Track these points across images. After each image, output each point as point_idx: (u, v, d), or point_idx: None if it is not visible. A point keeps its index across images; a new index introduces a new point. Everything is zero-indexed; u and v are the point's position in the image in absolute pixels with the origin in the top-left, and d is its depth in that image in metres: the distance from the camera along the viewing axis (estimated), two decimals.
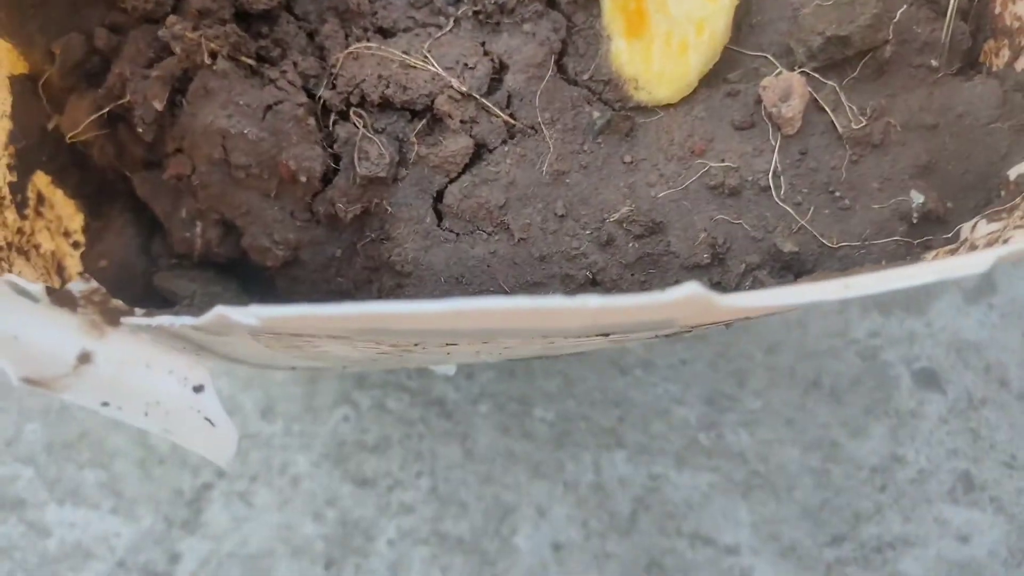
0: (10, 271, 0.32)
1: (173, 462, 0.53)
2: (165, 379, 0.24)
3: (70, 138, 0.33)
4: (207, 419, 0.23)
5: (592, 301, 0.21)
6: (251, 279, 0.36)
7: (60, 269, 0.37)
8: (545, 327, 0.22)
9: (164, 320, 0.24)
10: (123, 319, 0.25)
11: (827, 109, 0.32)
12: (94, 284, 0.26)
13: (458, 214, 0.32)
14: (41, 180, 0.37)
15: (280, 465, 0.54)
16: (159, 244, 0.36)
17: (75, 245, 0.38)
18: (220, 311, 0.23)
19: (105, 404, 0.23)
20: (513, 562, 0.52)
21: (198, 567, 0.52)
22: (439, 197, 0.33)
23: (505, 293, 0.32)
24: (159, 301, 0.36)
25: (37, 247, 0.36)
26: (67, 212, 0.38)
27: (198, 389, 0.24)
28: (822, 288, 0.22)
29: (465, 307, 0.21)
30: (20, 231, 0.35)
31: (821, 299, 0.22)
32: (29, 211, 0.36)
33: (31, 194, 0.36)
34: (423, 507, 0.53)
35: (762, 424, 0.54)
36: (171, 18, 0.31)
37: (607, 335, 0.29)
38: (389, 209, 0.33)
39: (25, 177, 0.36)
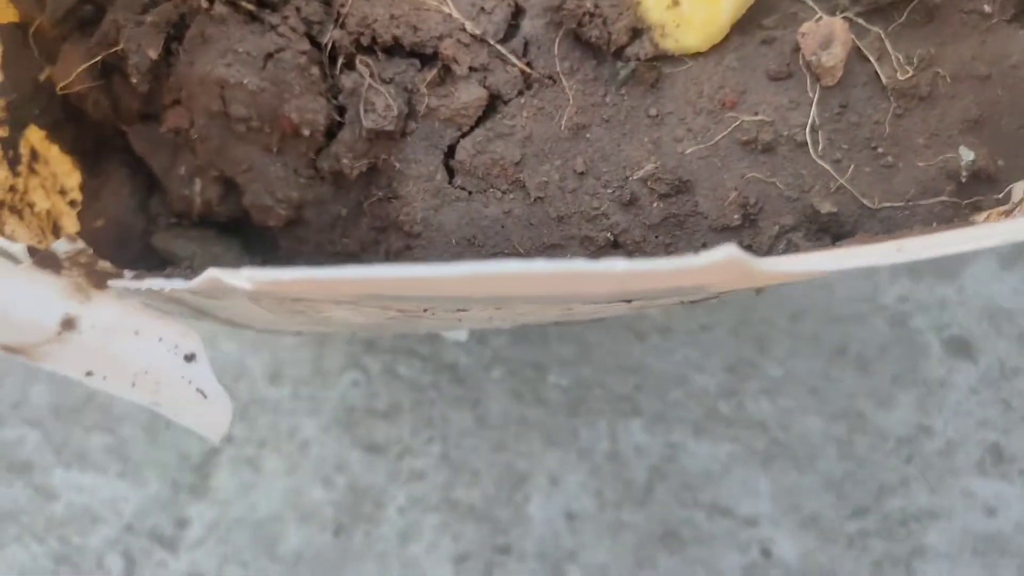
0: (1, 231, 0.31)
1: (180, 426, 0.52)
2: (155, 346, 0.22)
3: (61, 89, 0.31)
4: (199, 390, 0.22)
5: (618, 265, 0.19)
6: (254, 239, 0.34)
7: (56, 228, 0.35)
8: (567, 292, 0.21)
9: (155, 283, 0.22)
10: (111, 282, 0.23)
11: (871, 58, 0.29)
12: (80, 244, 0.24)
13: (471, 171, 0.30)
14: (35, 135, 0.35)
15: (288, 430, 0.53)
16: (157, 202, 0.34)
17: (72, 204, 0.36)
18: (213, 274, 0.21)
19: (89, 374, 0.21)
20: (526, 531, 0.51)
21: (206, 532, 0.51)
22: (450, 152, 0.31)
23: (520, 255, 0.30)
24: (158, 262, 0.34)
25: (31, 205, 0.34)
26: (63, 169, 0.36)
27: (190, 358, 0.22)
28: (871, 251, 0.20)
29: (481, 271, 0.19)
30: (12, 189, 0.34)
31: (869, 263, 0.20)
32: (22, 168, 0.34)
33: (24, 150, 0.34)
34: (434, 474, 0.52)
35: (784, 392, 0.52)
36: None
37: (629, 301, 0.27)
38: (397, 165, 0.31)
39: (17, 132, 0.34)
